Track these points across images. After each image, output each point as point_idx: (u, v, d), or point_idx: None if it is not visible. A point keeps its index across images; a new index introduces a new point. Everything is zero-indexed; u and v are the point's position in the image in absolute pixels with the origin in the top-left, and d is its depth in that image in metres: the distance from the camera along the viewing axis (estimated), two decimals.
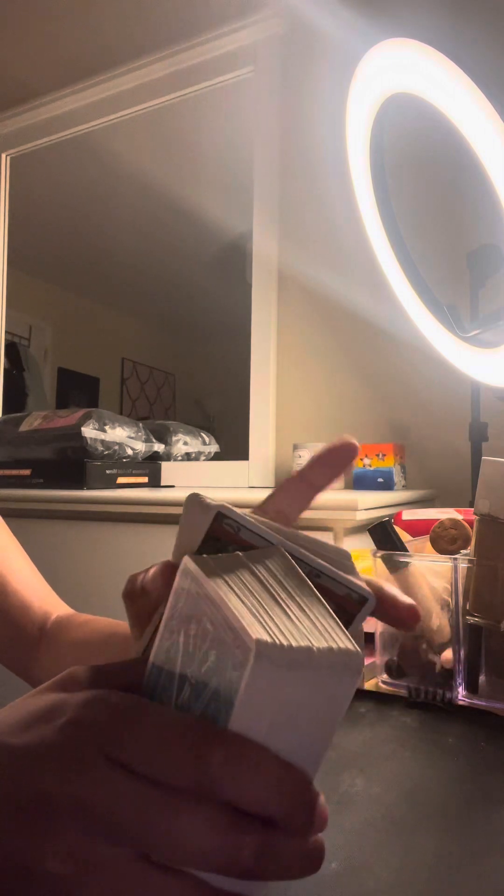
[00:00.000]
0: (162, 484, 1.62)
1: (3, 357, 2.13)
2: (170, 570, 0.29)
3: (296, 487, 0.34)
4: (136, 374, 4.45)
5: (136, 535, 1.21)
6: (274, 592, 0.25)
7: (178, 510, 1.23)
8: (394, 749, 0.52)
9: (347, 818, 0.41)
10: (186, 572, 0.25)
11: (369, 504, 1.03)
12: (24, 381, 3.27)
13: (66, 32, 1.87)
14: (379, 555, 0.66)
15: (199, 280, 3.52)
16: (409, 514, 0.87)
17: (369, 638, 0.69)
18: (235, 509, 0.28)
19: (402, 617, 0.30)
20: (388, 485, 1.29)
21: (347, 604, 0.28)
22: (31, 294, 3.64)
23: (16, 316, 2.94)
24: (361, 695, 0.63)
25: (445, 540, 0.69)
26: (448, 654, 0.62)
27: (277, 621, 0.23)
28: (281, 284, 1.60)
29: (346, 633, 0.23)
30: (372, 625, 0.68)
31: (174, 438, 1.82)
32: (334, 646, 0.22)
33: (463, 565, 0.62)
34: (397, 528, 0.68)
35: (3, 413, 2.12)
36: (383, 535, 0.66)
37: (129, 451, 1.53)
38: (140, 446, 1.56)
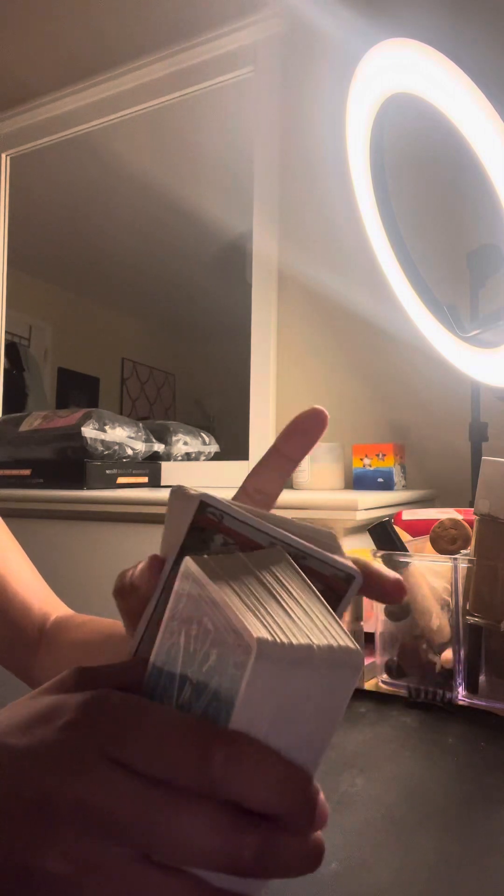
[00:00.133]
0: (162, 484, 1.62)
1: (3, 357, 2.13)
2: (157, 564, 0.29)
3: (273, 462, 0.35)
4: (136, 374, 4.45)
5: (136, 535, 1.21)
6: (274, 592, 0.25)
7: None
8: (394, 749, 0.52)
9: (347, 818, 0.41)
10: (188, 573, 0.25)
11: (369, 504, 1.03)
12: (24, 381, 3.27)
13: (66, 32, 1.87)
14: (379, 555, 0.66)
15: (199, 280, 3.52)
16: (409, 514, 0.87)
17: (369, 638, 0.69)
18: (219, 497, 0.28)
19: (388, 591, 0.31)
20: (388, 485, 1.29)
21: (335, 583, 0.29)
22: (31, 294, 3.64)
23: (16, 316, 2.94)
24: (361, 695, 0.63)
25: (445, 540, 0.69)
26: (448, 654, 0.62)
27: (278, 620, 0.23)
28: (281, 284, 1.60)
29: (346, 631, 0.24)
30: (372, 625, 0.68)
31: (174, 438, 1.82)
32: (334, 643, 0.23)
33: (463, 565, 0.62)
34: (397, 528, 0.68)
35: (3, 413, 2.12)
36: (383, 535, 0.66)
37: (129, 451, 1.53)
38: (140, 446, 1.56)
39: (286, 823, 0.22)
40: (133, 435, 1.54)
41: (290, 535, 0.28)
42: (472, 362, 1.03)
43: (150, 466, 1.58)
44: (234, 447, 1.73)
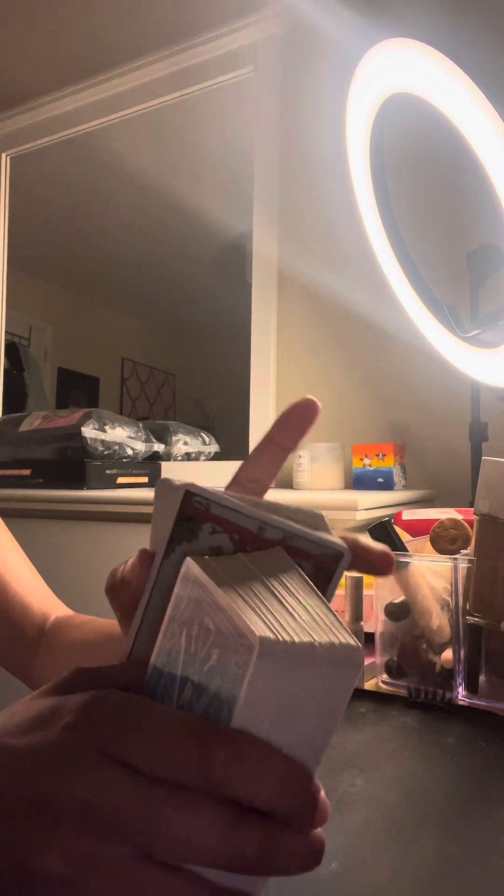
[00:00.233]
0: None
1: (3, 357, 2.13)
2: (147, 557, 0.29)
3: (266, 452, 0.35)
4: (136, 374, 4.45)
5: (136, 535, 1.20)
6: (275, 591, 0.25)
7: None
8: (394, 749, 0.52)
9: (347, 818, 0.41)
10: (189, 575, 0.25)
11: (369, 504, 1.03)
12: (24, 381, 3.27)
13: (66, 32, 1.87)
14: None
15: (199, 280, 3.52)
16: (409, 514, 0.87)
17: (369, 638, 0.69)
18: (204, 486, 0.28)
19: (377, 563, 0.31)
20: (388, 485, 1.29)
21: (325, 562, 0.29)
22: (31, 294, 3.64)
23: (16, 316, 2.95)
24: (361, 695, 0.63)
25: (445, 540, 0.69)
26: (448, 654, 0.62)
27: (279, 618, 0.23)
28: (281, 284, 1.60)
29: (347, 628, 0.24)
30: (372, 625, 0.68)
31: (174, 438, 1.82)
32: (336, 641, 0.23)
33: (463, 565, 0.62)
34: (397, 528, 0.68)
35: (3, 413, 2.12)
36: (383, 535, 0.66)
37: (129, 451, 1.52)
38: (140, 446, 1.56)
39: (288, 820, 0.22)
40: (133, 435, 1.54)
41: (277, 517, 0.28)
42: (472, 362, 1.03)
43: (150, 466, 1.58)
44: (234, 447, 1.73)
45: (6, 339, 2.20)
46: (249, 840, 0.22)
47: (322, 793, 0.23)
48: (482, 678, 0.61)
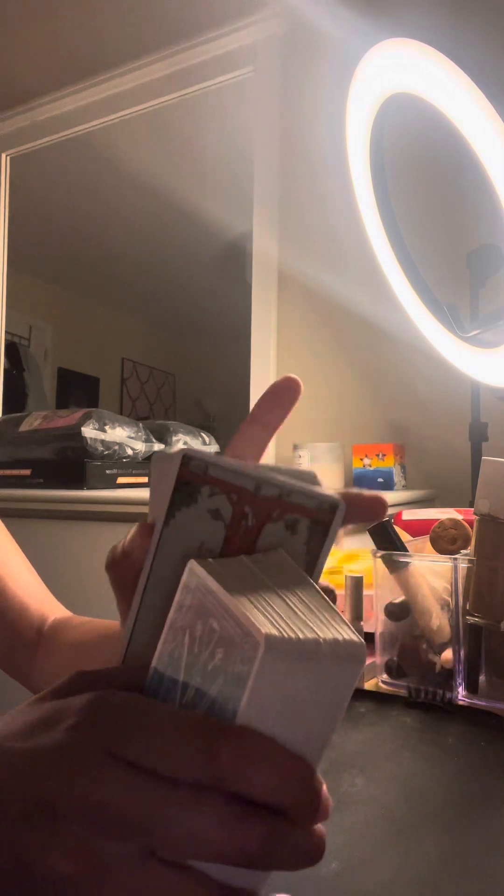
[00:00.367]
0: None
1: (3, 357, 2.13)
2: (147, 527, 0.29)
3: (250, 432, 0.35)
4: (136, 374, 4.45)
5: None
6: (277, 590, 0.25)
7: None
8: (394, 749, 0.52)
9: (347, 818, 0.41)
10: (192, 576, 0.26)
11: None
12: (24, 381, 3.27)
13: (66, 32, 1.87)
14: (379, 555, 0.66)
15: (199, 280, 3.52)
16: (409, 514, 0.87)
17: (369, 638, 0.69)
18: (200, 449, 0.28)
19: (370, 507, 0.31)
20: (388, 485, 1.29)
21: (321, 515, 0.29)
22: (31, 294, 3.64)
23: (16, 316, 2.95)
24: (361, 695, 0.63)
25: (445, 540, 0.69)
26: (448, 654, 0.62)
27: (283, 615, 0.24)
28: (281, 284, 1.60)
29: (350, 625, 0.24)
30: (372, 625, 0.68)
31: (174, 438, 1.82)
32: (339, 637, 0.23)
33: (463, 565, 0.62)
34: (397, 528, 0.68)
35: (3, 413, 2.12)
36: (383, 535, 0.66)
37: (129, 451, 1.52)
38: (140, 446, 1.56)
39: (291, 815, 0.23)
40: (133, 435, 1.54)
41: (274, 474, 0.29)
42: (472, 362, 1.03)
43: (150, 466, 1.58)
44: None
45: (6, 339, 2.20)
46: (254, 835, 0.22)
47: (324, 788, 0.24)
48: (482, 678, 0.61)
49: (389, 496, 1.16)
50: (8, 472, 1.48)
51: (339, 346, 1.52)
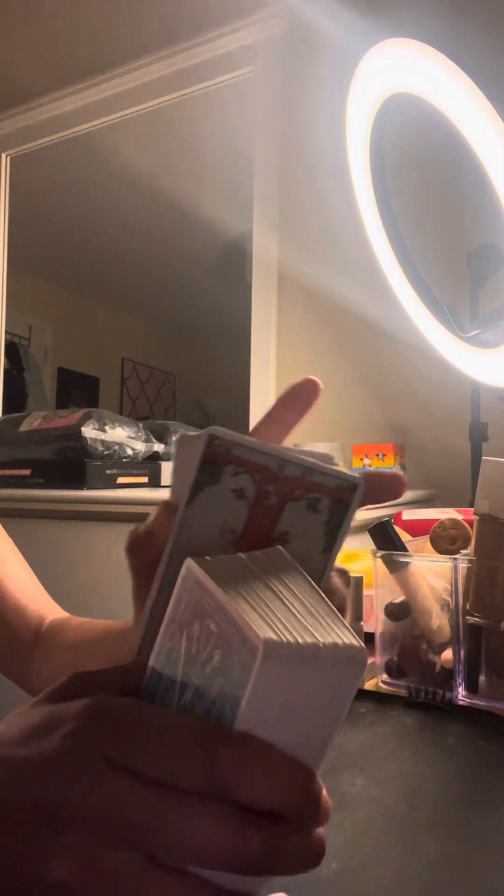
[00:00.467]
0: (162, 484, 1.62)
1: (3, 357, 2.13)
2: (170, 507, 0.29)
3: (267, 430, 0.36)
4: (136, 374, 4.45)
5: None
6: (276, 591, 0.25)
7: None
8: (394, 749, 0.52)
9: (347, 818, 0.41)
10: (189, 574, 0.25)
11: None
12: (24, 381, 3.27)
13: (66, 32, 1.87)
14: (379, 555, 0.66)
15: (199, 280, 3.52)
16: (409, 514, 0.87)
17: (369, 638, 0.69)
18: (225, 429, 0.29)
19: (390, 484, 0.32)
20: None
21: (341, 494, 0.30)
22: (31, 294, 3.64)
23: (16, 316, 2.94)
24: (361, 695, 0.63)
25: (445, 540, 0.69)
26: (448, 654, 0.62)
27: (282, 618, 0.23)
28: (281, 284, 1.60)
29: (350, 628, 0.24)
30: (372, 625, 0.68)
31: (174, 438, 1.82)
32: (339, 641, 0.23)
33: (463, 565, 0.62)
34: (397, 528, 0.68)
35: (3, 413, 2.12)
36: (383, 535, 0.66)
37: (129, 451, 1.52)
38: (140, 446, 1.56)
39: (291, 820, 0.23)
40: (133, 435, 1.54)
41: (296, 454, 0.29)
42: (472, 362, 1.03)
43: (150, 466, 1.58)
44: None
45: (6, 339, 2.20)
46: (254, 840, 0.22)
47: (324, 792, 0.23)
48: (482, 678, 0.61)
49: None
50: (8, 472, 1.48)
51: (339, 346, 1.52)
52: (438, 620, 0.64)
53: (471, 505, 0.69)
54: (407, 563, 0.65)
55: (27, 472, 1.45)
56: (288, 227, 1.60)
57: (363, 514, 1.02)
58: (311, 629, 0.23)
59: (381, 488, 0.32)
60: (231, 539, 0.28)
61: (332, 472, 0.29)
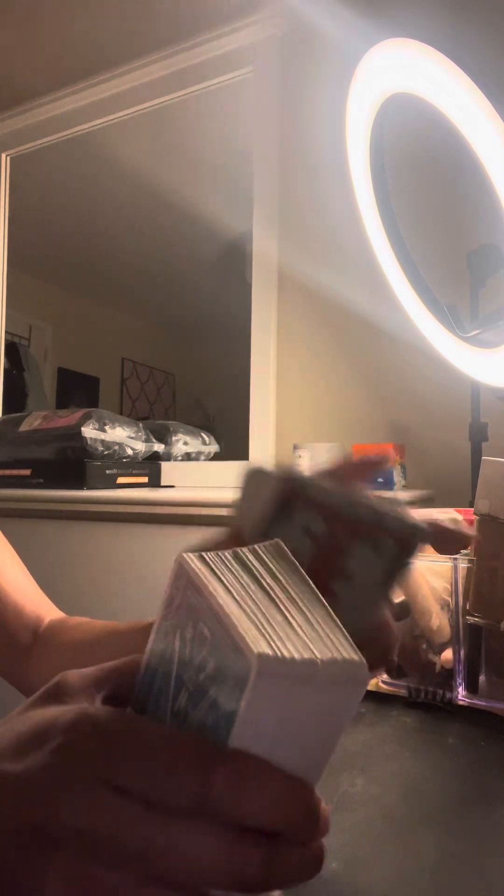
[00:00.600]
0: (162, 484, 1.62)
1: (3, 357, 2.13)
2: (235, 532, 0.32)
3: (337, 474, 0.37)
4: (136, 374, 4.45)
5: (136, 535, 1.20)
6: (273, 595, 0.24)
7: (179, 510, 1.22)
8: (394, 749, 0.52)
9: (347, 818, 0.41)
10: (182, 572, 0.24)
11: None
12: (24, 381, 3.27)
13: (66, 32, 1.87)
14: None
15: (199, 280, 3.52)
16: None
17: None
18: (298, 470, 0.31)
19: (455, 539, 0.34)
20: (388, 485, 1.29)
21: (406, 538, 0.31)
22: (31, 294, 3.64)
23: (16, 316, 2.94)
24: None
25: None
26: (448, 654, 0.62)
27: (278, 629, 0.22)
28: (281, 284, 1.60)
29: (350, 639, 0.23)
30: None
31: (174, 438, 1.82)
32: (338, 656, 0.22)
33: (463, 565, 0.62)
34: None
35: (3, 413, 2.12)
36: None
37: (129, 451, 1.53)
38: (140, 446, 1.56)
39: (289, 836, 0.22)
40: (133, 435, 1.54)
41: (366, 497, 0.31)
42: (472, 362, 1.03)
43: (150, 466, 1.58)
44: (233, 447, 1.73)
45: (6, 339, 2.20)
46: (252, 859, 0.21)
47: (323, 805, 0.23)
48: (482, 678, 0.61)
49: (389, 496, 1.16)
50: (8, 472, 1.48)
51: (339, 346, 1.52)
52: (438, 620, 0.64)
53: (471, 505, 0.69)
54: None
55: (27, 472, 1.45)
56: (288, 227, 1.60)
57: None
58: (308, 642, 0.22)
59: (445, 538, 0.34)
60: None
61: (399, 518, 0.31)
